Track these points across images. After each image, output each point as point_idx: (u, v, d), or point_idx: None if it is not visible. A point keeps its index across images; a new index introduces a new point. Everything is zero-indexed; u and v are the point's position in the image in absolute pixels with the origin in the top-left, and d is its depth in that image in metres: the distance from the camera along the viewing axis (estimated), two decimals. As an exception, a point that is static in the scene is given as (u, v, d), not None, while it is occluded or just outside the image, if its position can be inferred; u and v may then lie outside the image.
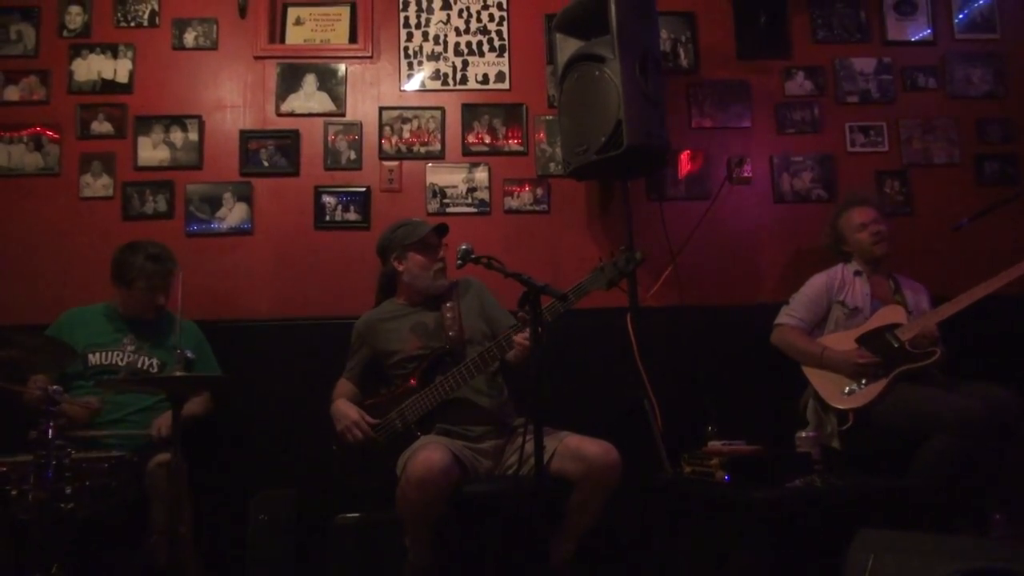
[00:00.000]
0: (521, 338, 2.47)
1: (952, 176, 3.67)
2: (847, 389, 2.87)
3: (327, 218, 3.47)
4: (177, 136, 3.48)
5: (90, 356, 2.83)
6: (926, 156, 3.68)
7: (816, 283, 3.12)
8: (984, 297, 2.80)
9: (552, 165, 3.55)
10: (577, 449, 2.43)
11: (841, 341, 2.95)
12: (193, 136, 3.48)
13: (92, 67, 3.51)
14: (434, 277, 2.77)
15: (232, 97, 3.54)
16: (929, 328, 2.82)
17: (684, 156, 3.63)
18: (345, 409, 2.66)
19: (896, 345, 2.85)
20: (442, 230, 2.82)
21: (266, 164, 3.49)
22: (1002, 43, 3.78)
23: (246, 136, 3.50)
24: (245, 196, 3.46)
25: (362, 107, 3.57)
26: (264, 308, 3.40)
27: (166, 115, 3.49)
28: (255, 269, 3.43)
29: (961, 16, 3.82)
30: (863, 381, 2.85)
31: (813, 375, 2.97)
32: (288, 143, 3.50)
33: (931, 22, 3.79)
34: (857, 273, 3.09)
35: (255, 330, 3.34)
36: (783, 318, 3.11)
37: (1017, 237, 3.19)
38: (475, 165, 3.54)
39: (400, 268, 2.79)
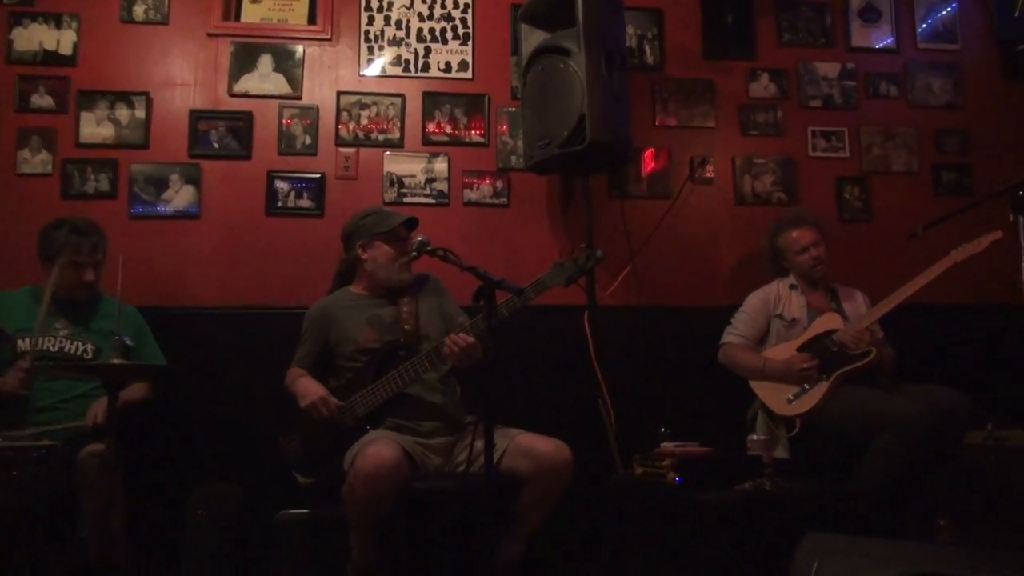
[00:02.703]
0: (452, 342, 2.46)
1: (910, 185, 3.76)
2: (790, 396, 2.94)
3: (279, 204, 3.42)
4: (123, 113, 3.39)
5: (20, 342, 2.74)
6: (885, 164, 3.77)
7: (754, 301, 3.20)
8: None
9: (513, 158, 3.55)
10: (529, 447, 2.44)
11: (783, 352, 3.04)
12: (140, 114, 3.40)
13: (34, 37, 3.40)
14: (399, 270, 2.74)
15: (182, 75, 3.46)
16: (856, 330, 2.91)
17: (647, 154, 3.66)
18: (312, 385, 2.62)
19: (834, 349, 2.94)
20: (412, 223, 2.79)
21: (216, 146, 3.42)
22: (962, 54, 3.89)
23: (196, 116, 3.43)
24: (193, 178, 3.39)
25: (319, 91, 3.52)
26: (210, 295, 3.34)
27: (112, 91, 3.40)
28: (201, 255, 3.36)
29: (924, 26, 3.91)
30: (805, 386, 2.93)
31: (758, 387, 3.05)
32: (240, 125, 3.44)
33: (895, 30, 3.88)
34: (792, 287, 3.18)
35: (200, 318, 3.29)
36: (727, 337, 3.19)
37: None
38: (435, 155, 3.53)
39: (365, 256, 2.76)
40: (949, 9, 3.92)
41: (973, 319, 3.53)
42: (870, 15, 3.88)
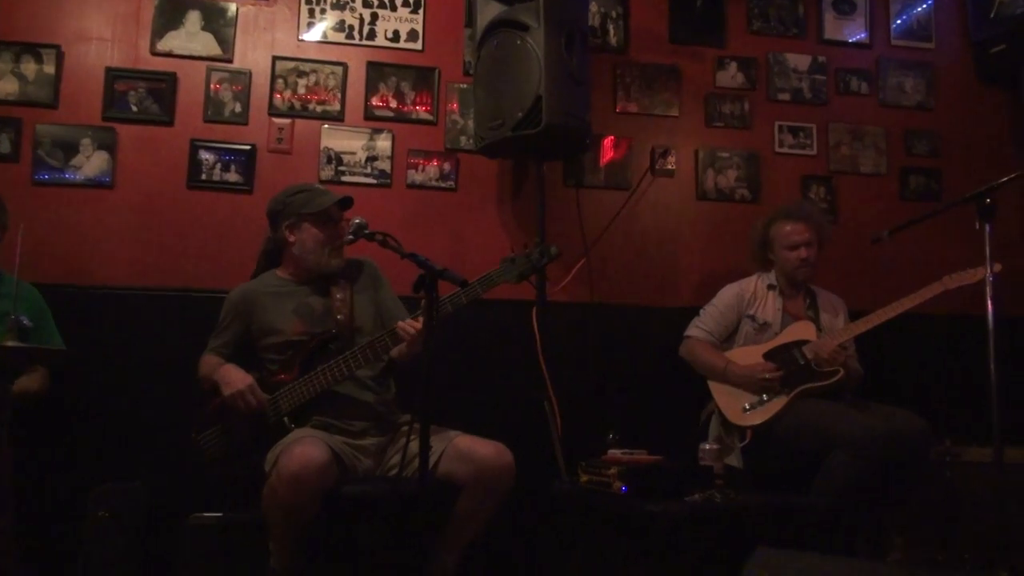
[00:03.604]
0: (407, 325, 2.44)
1: (877, 187, 3.88)
2: (747, 405, 3.00)
3: (203, 177, 3.36)
4: (29, 67, 3.28)
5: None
6: (853, 164, 3.87)
7: (726, 295, 3.25)
8: (896, 317, 2.98)
9: (463, 139, 3.55)
10: (467, 450, 2.44)
11: (748, 356, 3.09)
12: (49, 69, 3.29)
13: (-73, -24, 3.26)
14: (329, 256, 2.70)
15: (99, 28, 3.36)
16: (828, 348, 2.98)
17: (607, 142, 3.69)
18: (237, 373, 2.56)
19: (801, 362, 3.00)
20: (346, 203, 2.74)
21: (135, 109, 3.34)
22: (936, 53, 4.02)
23: (113, 75, 3.34)
24: (107, 144, 3.30)
25: (253, 54, 3.46)
26: (121, 274, 3.25)
27: (17, 41, 3.28)
28: (113, 229, 3.28)
29: (899, 21, 4.03)
30: (764, 397, 2.99)
31: (716, 390, 3.10)
32: (163, 87, 3.36)
33: (868, 24, 3.99)
34: (771, 287, 3.23)
35: (108, 299, 3.20)
36: (692, 330, 3.23)
37: (938, 253, 3.41)
38: (377, 131, 3.50)
39: (292, 239, 2.71)
40: (925, 6, 4.04)
41: (934, 328, 3.65)
42: (844, 7, 3.98)
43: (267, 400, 2.54)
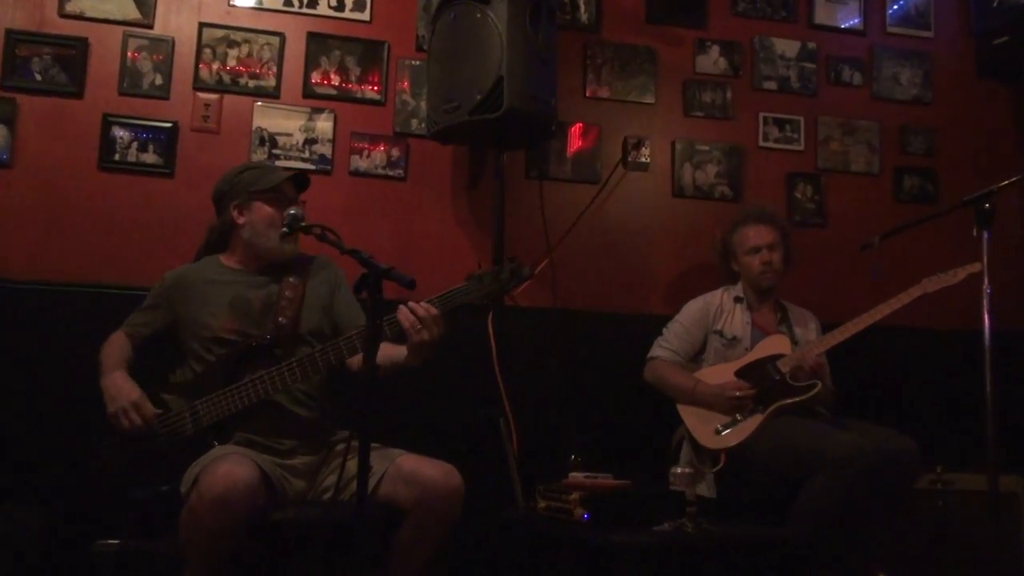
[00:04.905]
0: (408, 311, 2.38)
1: (868, 187, 3.97)
2: (720, 426, 3.05)
3: (117, 157, 3.33)
4: (-84, 27, 3.23)
5: None
6: (843, 161, 3.95)
7: (691, 310, 3.32)
8: (872, 328, 3.06)
9: (414, 122, 3.55)
10: (412, 472, 2.43)
11: (719, 374, 3.15)
12: (-61, 30, 3.24)
13: None
14: (283, 239, 2.67)
15: (-2, -16, 3.31)
16: (807, 359, 3.04)
17: (575, 130, 3.72)
18: (124, 385, 2.51)
19: (776, 377, 3.06)
20: (301, 182, 2.75)
21: (39, 78, 3.31)
22: (935, 43, 4.13)
23: (14, 38, 3.30)
24: (6, 117, 3.26)
25: (176, 20, 3.44)
26: (19, 266, 3.21)
27: (-98, -4, 3.22)
28: (10, 213, 3.23)
29: (895, 7, 4.12)
30: (738, 417, 3.04)
31: (687, 413, 3.14)
32: (72, 54, 3.33)
33: (863, 9, 4.08)
34: (738, 300, 3.30)
35: (5, 294, 3.16)
36: (656, 351, 3.28)
37: (933, 260, 3.49)
38: (317, 111, 3.49)
39: (240, 221, 2.69)
40: (923, -11, 4.15)
41: (924, 345, 3.75)
42: (838, -12, 4.07)
43: (158, 416, 2.50)
